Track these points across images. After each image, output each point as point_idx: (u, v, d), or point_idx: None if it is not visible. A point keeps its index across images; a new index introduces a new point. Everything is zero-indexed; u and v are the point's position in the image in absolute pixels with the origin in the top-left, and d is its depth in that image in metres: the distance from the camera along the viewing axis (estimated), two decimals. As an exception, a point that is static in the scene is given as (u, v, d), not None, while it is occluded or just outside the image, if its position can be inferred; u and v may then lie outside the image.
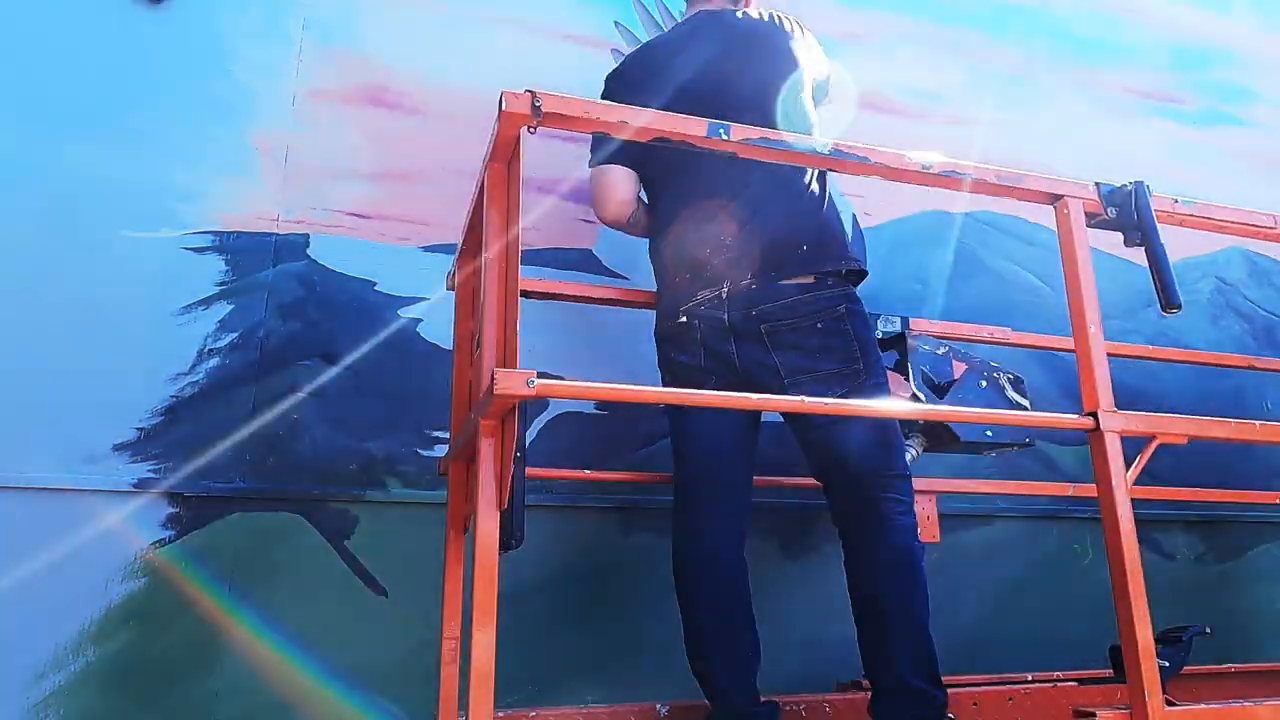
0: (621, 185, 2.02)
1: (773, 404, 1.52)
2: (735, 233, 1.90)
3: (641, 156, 2.00)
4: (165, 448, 2.16)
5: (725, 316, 1.89)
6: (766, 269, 1.87)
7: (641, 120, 1.43)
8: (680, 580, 1.93)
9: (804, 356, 1.85)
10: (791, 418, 1.94)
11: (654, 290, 2.12)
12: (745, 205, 1.91)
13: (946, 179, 1.60)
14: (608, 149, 2.00)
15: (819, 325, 1.86)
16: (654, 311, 2.10)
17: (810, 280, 1.87)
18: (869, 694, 1.87)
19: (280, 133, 2.43)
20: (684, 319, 1.94)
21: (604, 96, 2.09)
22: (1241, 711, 1.56)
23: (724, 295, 1.88)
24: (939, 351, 2.23)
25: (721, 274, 1.90)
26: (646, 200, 2.12)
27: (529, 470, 1.81)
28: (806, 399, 1.55)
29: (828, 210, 1.96)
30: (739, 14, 2.12)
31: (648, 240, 2.14)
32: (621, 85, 2.10)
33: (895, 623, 1.80)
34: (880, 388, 1.90)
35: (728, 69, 2.00)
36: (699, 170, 1.94)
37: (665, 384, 2.04)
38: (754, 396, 1.46)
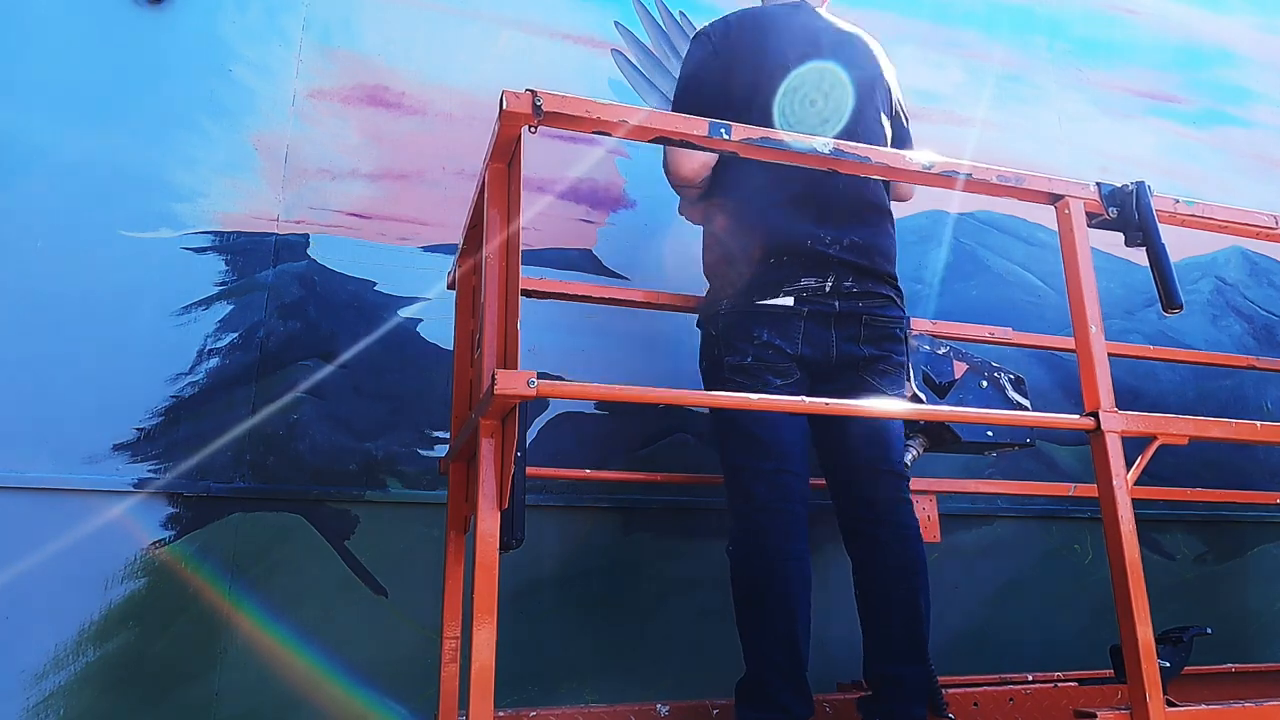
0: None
1: (774, 404, 1.52)
2: (851, 234, 1.96)
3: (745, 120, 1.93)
4: (165, 448, 2.16)
5: (836, 304, 1.93)
6: (870, 276, 1.97)
7: (640, 119, 1.43)
8: (774, 572, 1.80)
9: (884, 355, 1.98)
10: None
11: (653, 291, 2.11)
12: (863, 213, 1.98)
13: (946, 179, 1.60)
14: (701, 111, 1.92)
15: (896, 333, 2.01)
16: (654, 312, 2.08)
17: (896, 296, 2.03)
18: (867, 695, 1.87)
19: (280, 133, 2.43)
20: (788, 300, 1.91)
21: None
22: (1241, 712, 1.57)
23: (827, 288, 1.92)
24: (939, 351, 2.23)
25: (830, 267, 1.93)
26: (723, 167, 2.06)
27: (529, 470, 1.81)
28: (806, 399, 1.55)
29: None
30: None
31: (703, 205, 2.10)
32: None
33: (927, 620, 1.85)
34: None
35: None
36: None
37: (727, 363, 1.92)
38: (753, 396, 1.46)
